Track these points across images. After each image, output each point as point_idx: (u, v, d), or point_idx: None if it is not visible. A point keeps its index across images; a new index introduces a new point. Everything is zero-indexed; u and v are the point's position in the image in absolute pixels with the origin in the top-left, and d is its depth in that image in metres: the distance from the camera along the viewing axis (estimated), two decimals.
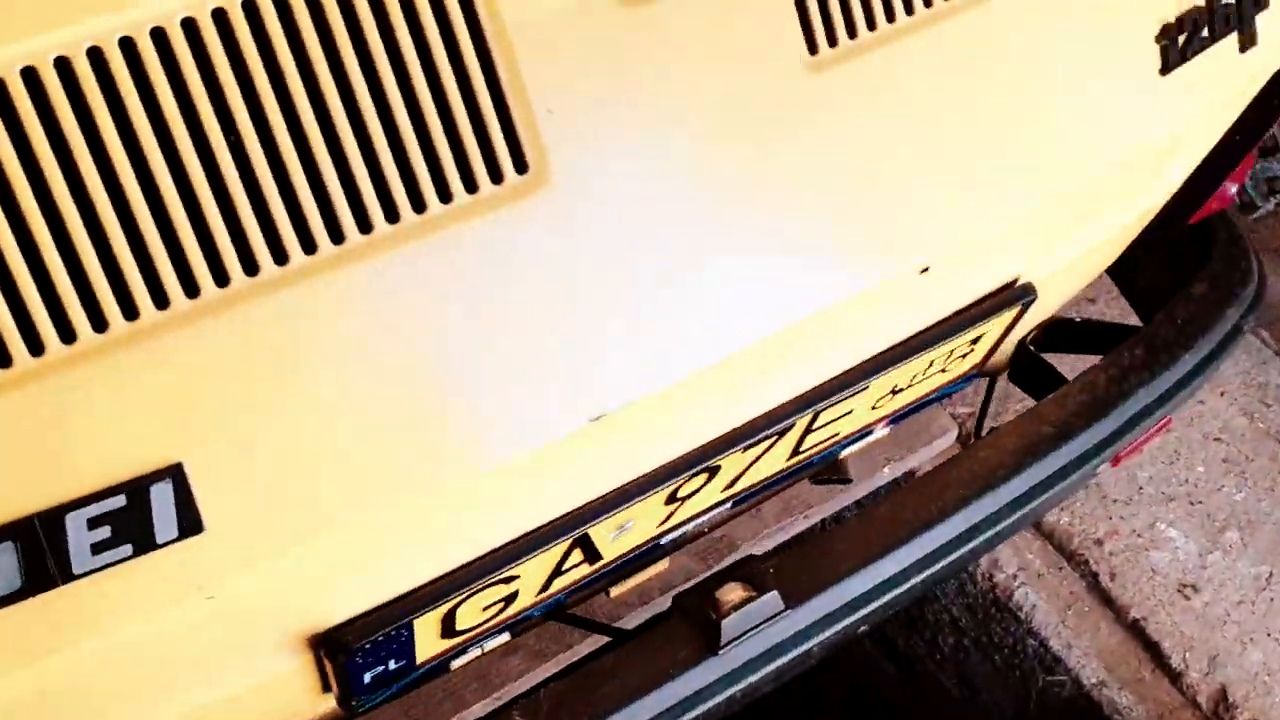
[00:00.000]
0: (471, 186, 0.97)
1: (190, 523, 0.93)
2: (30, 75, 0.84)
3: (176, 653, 1.01)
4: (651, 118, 1.03)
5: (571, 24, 0.98)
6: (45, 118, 0.85)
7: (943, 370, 1.45)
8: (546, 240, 1.01)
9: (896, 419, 1.52)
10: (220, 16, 0.88)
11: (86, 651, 0.94)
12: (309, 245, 0.93)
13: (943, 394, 1.54)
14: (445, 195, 0.96)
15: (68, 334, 0.87)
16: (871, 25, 1.10)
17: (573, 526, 1.18)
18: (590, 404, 1.06)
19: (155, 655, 1.00)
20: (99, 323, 0.88)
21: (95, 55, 0.85)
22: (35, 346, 0.87)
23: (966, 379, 1.56)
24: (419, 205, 0.96)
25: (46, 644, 0.92)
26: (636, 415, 1.10)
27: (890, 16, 1.11)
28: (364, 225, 0.94)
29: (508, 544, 1.15)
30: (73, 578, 0.90)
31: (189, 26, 0.87)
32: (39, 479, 0.89)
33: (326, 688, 1.19)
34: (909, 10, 1.12)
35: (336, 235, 0.94)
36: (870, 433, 1.51)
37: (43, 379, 0.88)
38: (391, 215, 0.95)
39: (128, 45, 0.86)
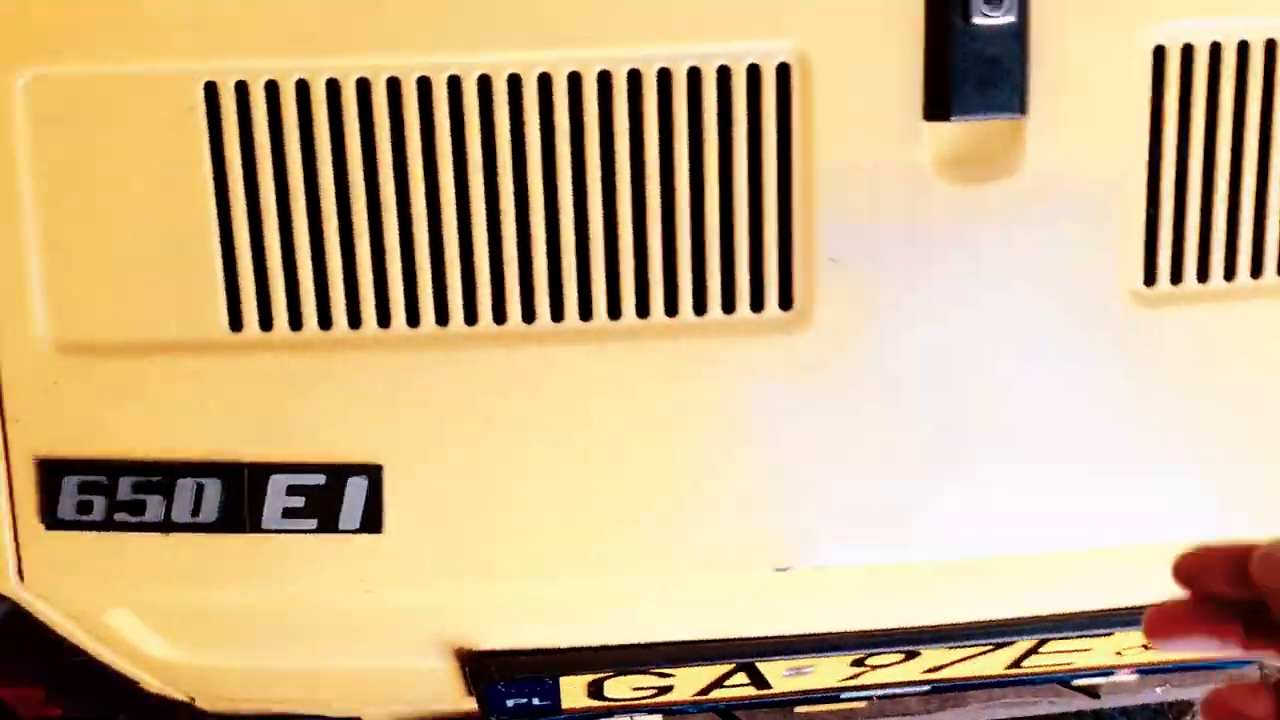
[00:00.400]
0: (729, 306, 0.96)
1: (372, 521, 0.99)
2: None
3: (332, 623, 1.08)
4: (939, 296, 0.96)
5: (884, 184, 0.93)
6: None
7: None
8: (789, 381, 0.97)
9: (1149, 671, 1.36)
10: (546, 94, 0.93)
11: (252, 594, 1.03)
12: (557, 313, 0.96)
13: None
14: (700, 307, 0.96)
15: (325, 321, 0.95)
16: (1230, 275, 0.98)
17: (739, 655, 1.15)
18: (783, 553, 1.02)
19: (313, 616, 1.07)
20: (355, 319, 0.95)
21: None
22: (295, 322, 0.95)
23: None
24: (672, 308, 0.96)
25: (221, 577, 1.01)
26: (834, 577, 1.05)
27: (1257, 272, 0.98)
28: (613, 310, 0.95)
29: (666, 644, 1.14)
30: (259, 530, 0.98)
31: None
32: (262, 435, 0.97)
33: (470, 693, 1.22)
34: None
35: (586, 311, 0.96)
36: (1112, 673, 1.36)
37: (295, 352, 0.96)
38: (642, 309, 0.96)
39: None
